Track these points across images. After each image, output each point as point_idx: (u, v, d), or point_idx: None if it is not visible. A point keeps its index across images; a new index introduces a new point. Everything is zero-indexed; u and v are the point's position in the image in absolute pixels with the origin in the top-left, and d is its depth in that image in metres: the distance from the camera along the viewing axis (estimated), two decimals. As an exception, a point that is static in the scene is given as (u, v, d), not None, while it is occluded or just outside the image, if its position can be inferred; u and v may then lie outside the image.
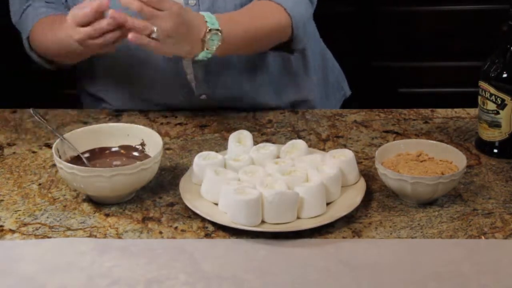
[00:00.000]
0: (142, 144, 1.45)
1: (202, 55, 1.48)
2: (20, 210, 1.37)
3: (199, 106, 1.70)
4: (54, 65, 1.69)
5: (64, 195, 1.42)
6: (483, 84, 1.49)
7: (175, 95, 1.69)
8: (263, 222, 1.29)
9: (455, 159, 1.39)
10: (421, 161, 1.39)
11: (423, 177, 1.33)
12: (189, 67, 1.65)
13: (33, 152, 1.56)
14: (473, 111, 1.67)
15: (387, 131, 1.62)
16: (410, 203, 1.37)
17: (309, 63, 1.79)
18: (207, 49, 1.47)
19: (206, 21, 1.46)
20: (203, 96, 1.69)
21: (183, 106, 1.70)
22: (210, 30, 1.45)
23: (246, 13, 1.59)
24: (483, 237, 1.29)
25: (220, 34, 1.46)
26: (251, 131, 1.51)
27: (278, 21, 1.60)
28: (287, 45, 1.66)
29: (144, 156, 1.43)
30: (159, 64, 1.65)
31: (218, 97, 1.69)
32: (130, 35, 1.39)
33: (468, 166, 1.48)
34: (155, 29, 1.40)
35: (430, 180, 1.33)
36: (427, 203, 1.36)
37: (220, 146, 1.57)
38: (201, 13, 1.48)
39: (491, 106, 1.49)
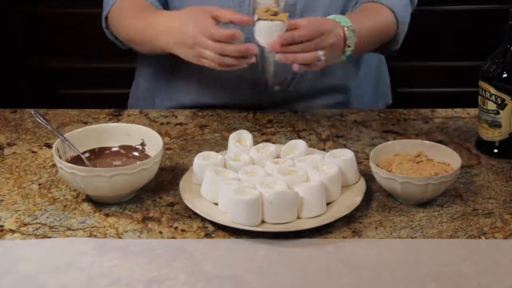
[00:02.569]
0: (142, 144, 1.45)
1: (347, 53, 1.53)
2: (20, 210, 1.37)
3: (271, 100, 1.72)
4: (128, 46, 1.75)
5: (64, 195, 1.42)
6: (483, 84, 1.49)
7: (245, 91, 1.71)
8: (263, 222, 1.29)
9: (452, 161, 1.39)
10: (418, 162, 1.39)
11: (412, 177, 1.33)
12: (268, 59, 1.68)
13: (33, 152, 1.56)
14: (473, 111, 1.67)
15: (387, 131, 1.62)
16: (410, 203, 1.37)
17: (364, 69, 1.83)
18: (348, 46, 1.52)
19: (340, 21, 1.52)
20: (277, 87, 1.71)
21: (252, 102, 1.72)
22: (347, 27, 1.52)
23: (364, 13, 1.65)
24: (483, 237, 1.29)
25: (354, 29, 1.52)
26: (251, 131, 1.51)
27: (390, 21, 1.67)
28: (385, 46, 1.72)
29: (144, 156, 1.43)
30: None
31: (291, 90, 1.71)
32: (297, 67, 1.48)
33: (468, 166, 1.48)
34: (321, 55, 1.47)
35: (419, 180, 1.33)
36: (421, 204, 1.36)
37: (220, 146, 1.57)
38: (330, 17, 1.53)
39: (491, 106, 1.49)
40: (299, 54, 1.46)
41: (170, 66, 1.77)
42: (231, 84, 1.71)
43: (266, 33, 1.46)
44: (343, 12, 1.66)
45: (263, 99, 1.73)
